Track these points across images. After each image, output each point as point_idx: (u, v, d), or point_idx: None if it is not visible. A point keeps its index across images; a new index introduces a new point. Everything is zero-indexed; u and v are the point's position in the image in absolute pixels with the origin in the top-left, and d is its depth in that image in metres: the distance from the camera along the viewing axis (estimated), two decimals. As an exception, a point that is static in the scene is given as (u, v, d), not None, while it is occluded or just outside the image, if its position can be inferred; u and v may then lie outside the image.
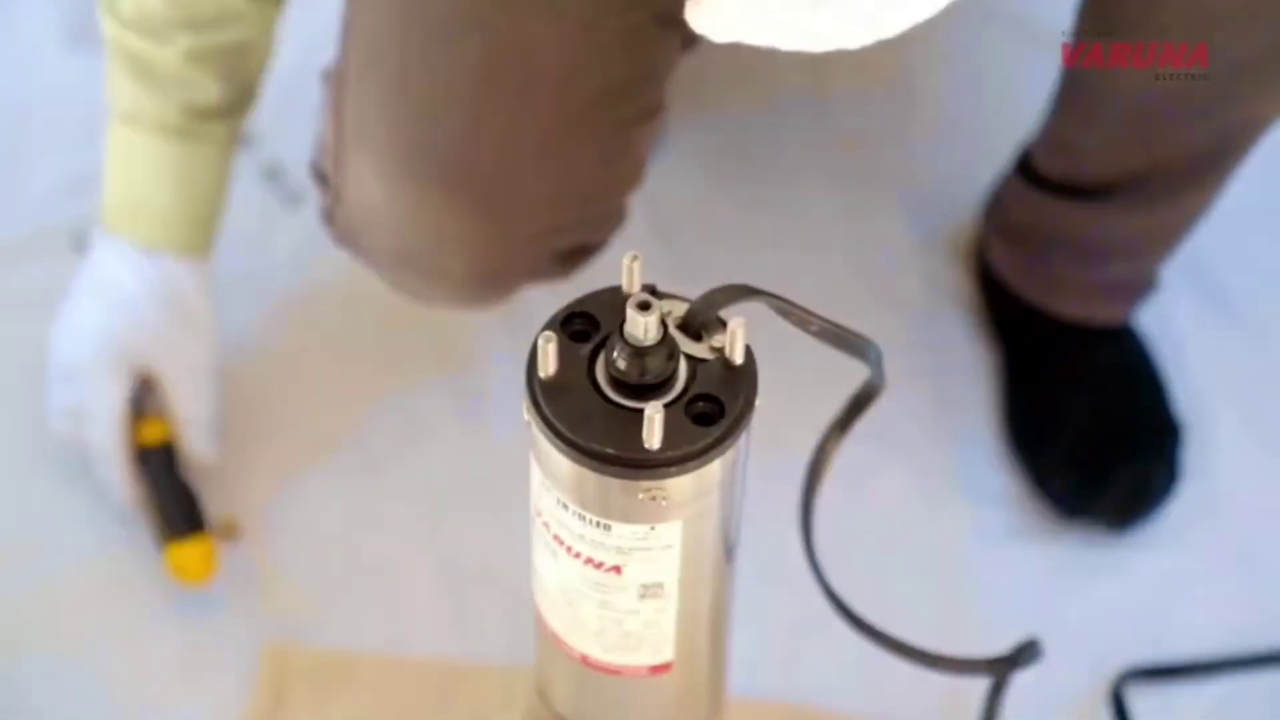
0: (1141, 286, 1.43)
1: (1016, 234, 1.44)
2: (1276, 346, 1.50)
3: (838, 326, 0.88)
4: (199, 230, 1.31)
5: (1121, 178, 1.32)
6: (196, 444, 1.33)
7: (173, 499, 1.33)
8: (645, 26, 1.15)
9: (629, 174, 1.22)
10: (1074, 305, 1.42)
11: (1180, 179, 1.31)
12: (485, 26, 1.12)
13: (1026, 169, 1.41)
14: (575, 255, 1.23)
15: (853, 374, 0.97)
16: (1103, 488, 1.38)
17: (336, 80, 1.18)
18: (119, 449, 1.31)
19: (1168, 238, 1.39)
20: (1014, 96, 1.58)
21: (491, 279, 1.21)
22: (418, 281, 1.22)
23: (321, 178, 1.21)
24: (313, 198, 1.54)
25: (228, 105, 1.26)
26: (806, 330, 0.88)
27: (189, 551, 1.32)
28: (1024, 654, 1.04)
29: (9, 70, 1.62)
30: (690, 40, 1.20)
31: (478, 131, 1.13)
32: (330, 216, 1.22)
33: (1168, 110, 1.24)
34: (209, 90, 1.24)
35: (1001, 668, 1.03)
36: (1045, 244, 1.41)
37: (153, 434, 1.34)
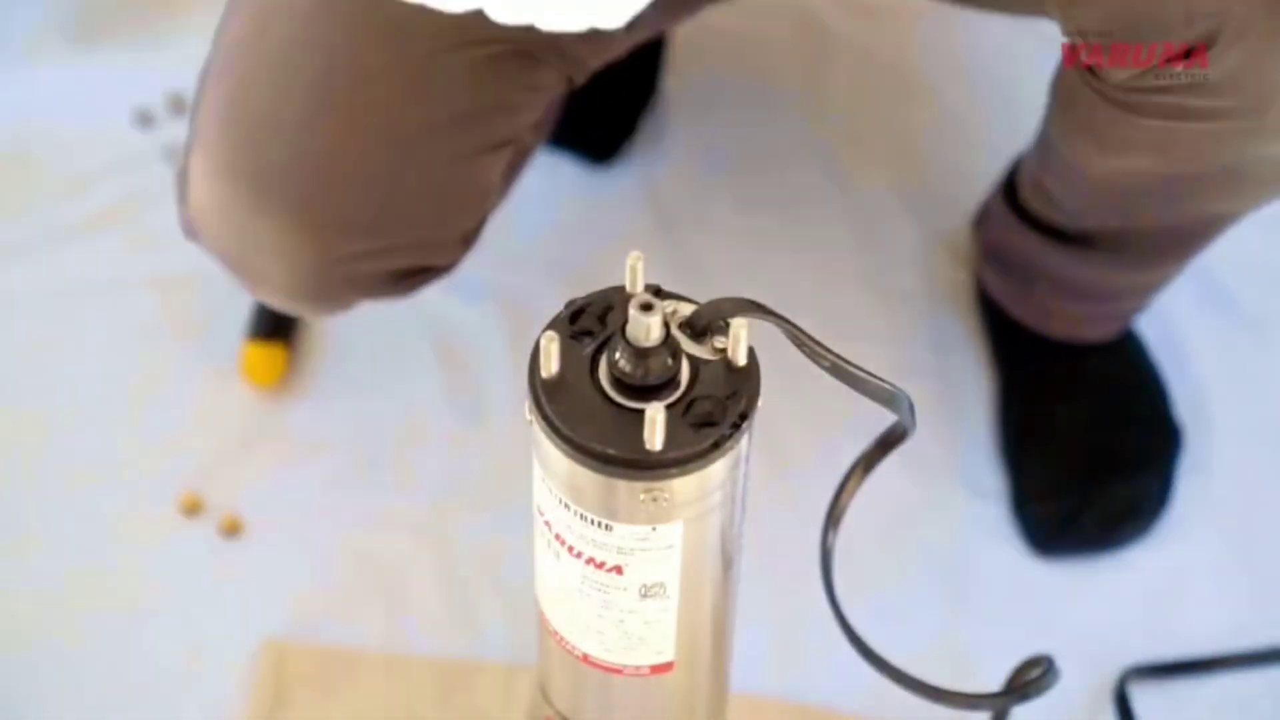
0: (1129, 314, 1.42)
1: (1002, 259, 1.43)
2: (1277, 346, 1.50)
3: (857, 368, 0.87)
4: None
5: (1099, 234, 1.32)
6: None
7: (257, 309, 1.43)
8: (500, 59, 1.15)
9: (469, 202, 1.21)
10: (1063, 329, 1.41)
11: (1155, 248, 1.31)
12: (327, 48, 1.13)
13: (1011, 193, 1.40)
14: (416, 276, 1.23)
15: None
16: (1079, 519, 1.37)
17: (201, 78, 1.19)
18: None
19: (1147, 290, 1.39)
20: (1014, 96, 1.58)
21: (313, 292, 1.21)
22: (249, 284, 1.23)
23: (180, 172, 1.23)
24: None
25: None
26: (819, 364, 0.87)
27: (262, 353, 1.42)
28: (1035, 682, 1.03)
29: (10, 70, 1.62)
30: (574, 75, 1.20)
31: (300, 148, 1.14)
32: (180, 209, 1.23)
33: (1134, 197, 1.24)
34: None
35: (1012, 698, 1.02)
36: (1028, 275, 1.40)
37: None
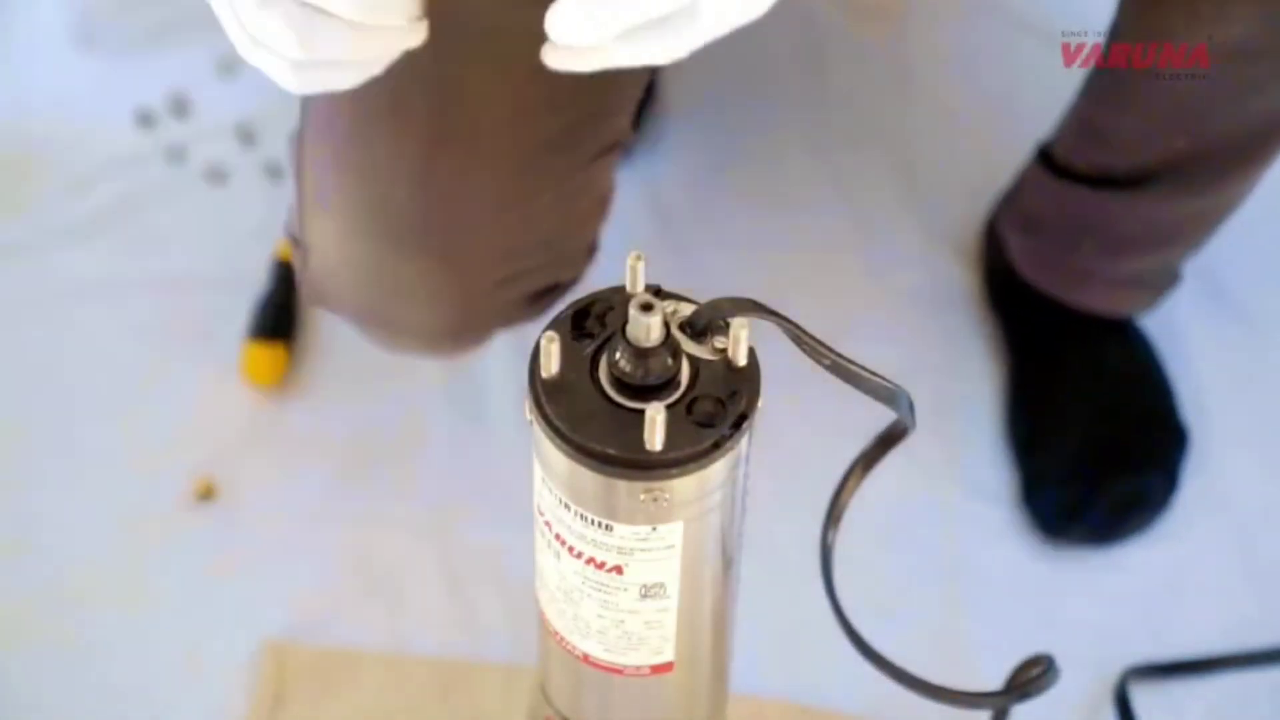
0: (1167, 281, 1.42)
1: (1039, 227, 1.42)
2: (1277, 346, 1.50)
3: (857, 366, 0.87)
4: None
5: (1160, 165, 1.30)
6: None
7: (273, 306, 1.43)
8: None
9: (592, 210, 1.21)
10: (1097, 298, 1.41)
11: (1223, 164, 1.29)
12: (429, 81, 1.12)
13: (1049, 162, 1.39)
14: (547, 294, 1.22)
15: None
16: (1085, 511, 1.38)
17: (298, 143, 1.18)
18: None
19: (1206, 225, 1.37)
20: (1014, 96, 1.59)
21: (459, 330, 1.21)
22: (388, 336, 1.23)
23: (294, 239, 1.21)
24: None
25: None
26: (819, 363, 0.87)
27: (263, 353, 1.43)
28: (1035, 681, 1.03)
29: (11, 70, 1.62)
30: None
31: (427, 187, 1.13)
32: (301, 276, 1.22)
33: (1207, 97, 1.22)
34: None
35: (1013, 697, 1.02)
36: (1073, 236, 1.39)
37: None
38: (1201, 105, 1.24)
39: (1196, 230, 1.38)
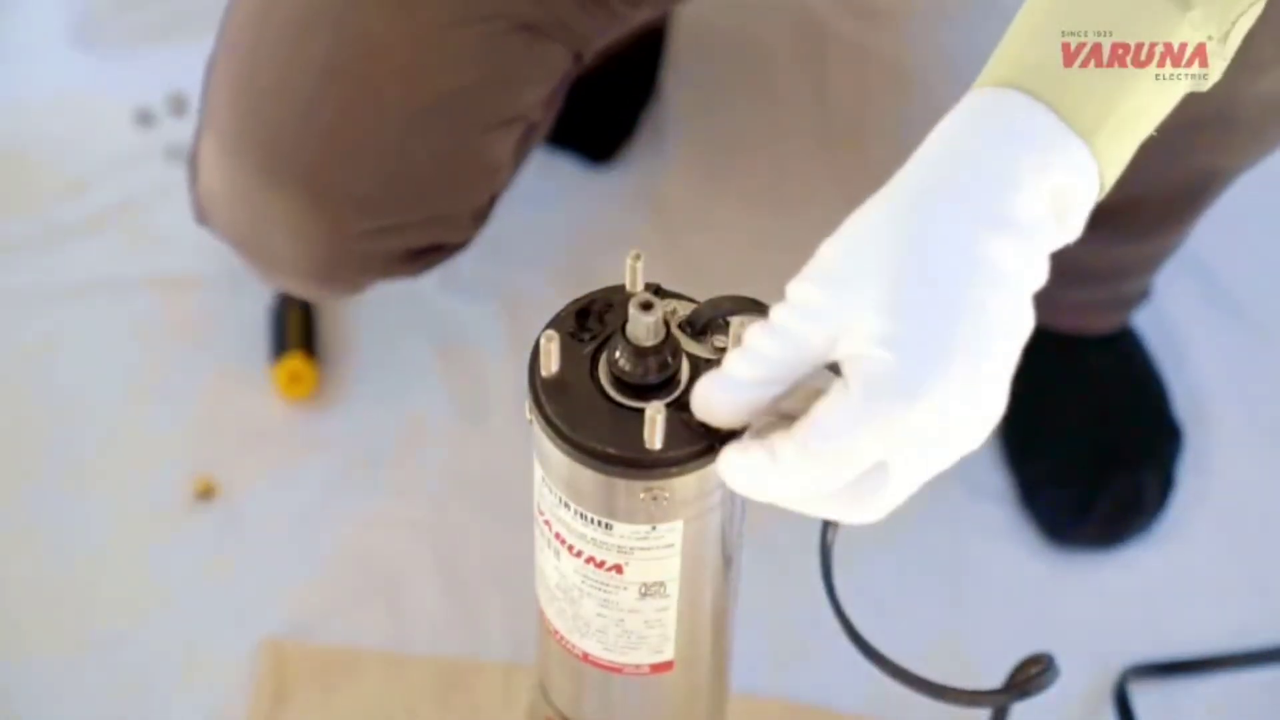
0: (1134, 299, 1.42)
1: None
2: (1277, 345, 1.50)
3: None
4: None
5: (1096, 210, 1.31)
6: None
7: (296, 313, 1.44)
8: (508, 34, 1.14)
9: (482, 178, 1.20)
10: (1067, 319, 1.41)
11: (1152, 217, 1.31)
12: (335, 23, 1.13)
13: None
14: (428, 254, 1.22)
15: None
16: (1090, 509, 1.38)
17: (207, 66, 1.19)
18: None
19: (1149, 264, 1.38)
20: (1014, 96, 1.58)
21: (327, 272, 1.21)
22: (263, 267, 1.23)
23: (191, 158, 1.22)
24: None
25: None
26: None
27: (302, 367, 1.42)
28: (1035, 680, 1.03)
29: (10, 69, 1.62)
30: (582, 53, 1.20)
31: (308, 123, 1.13)
32: (192, 194, 1.23)
33: (1148, 151, 1.23)
34: None
35: (1012, 695, 1.02)
36: None
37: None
38: (1135, 159, 1.24)
39: (1145, 266, 1.39)
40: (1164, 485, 1.40)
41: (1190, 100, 1.14)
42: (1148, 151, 1.22)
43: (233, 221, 1.19)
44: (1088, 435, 1.40)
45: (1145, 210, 1.31)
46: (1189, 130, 1.17)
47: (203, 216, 1.22)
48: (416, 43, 1.13)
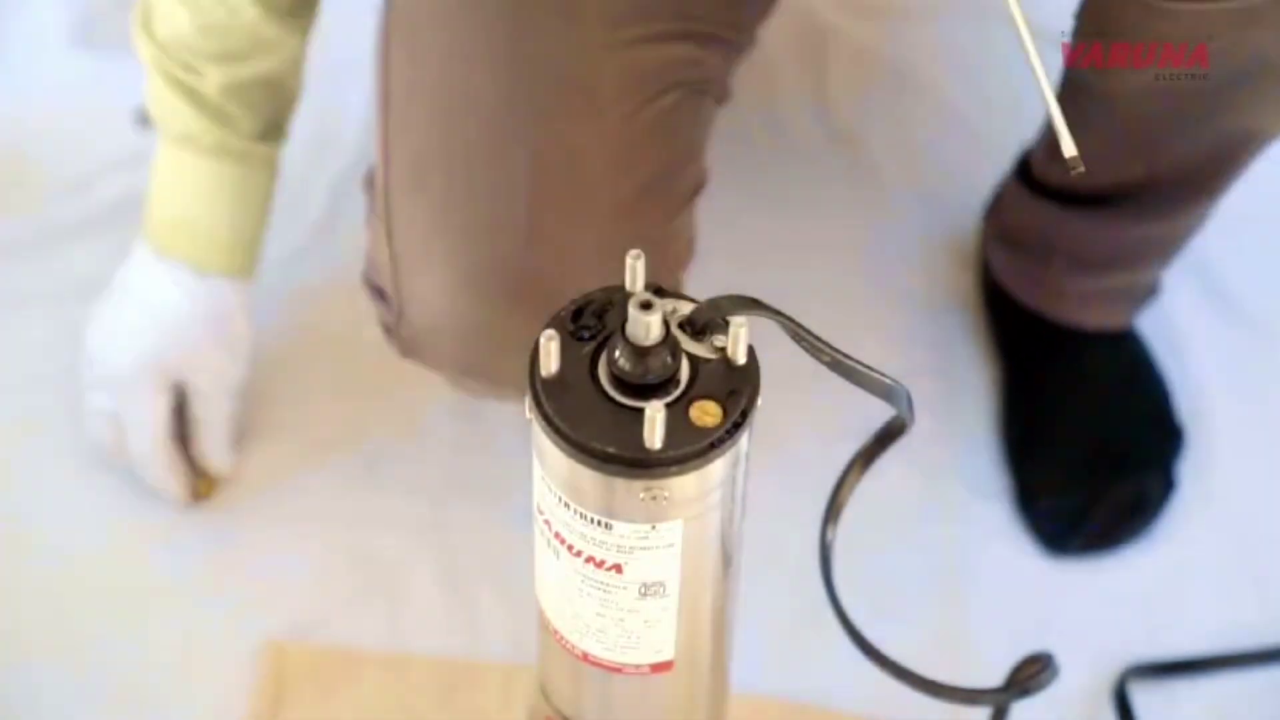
0: (1143, 293, 1.42)
1: (1016, 239, 1.44)
2: (1277, 345, 1.50)
3: (856, 362, 0.87)
4: (249, 252, 1.33)
5: (1119, 188, 1.32)
6: (216, 455, 1.37)
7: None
8: (682, 103, 1.16)
9: (681, 254, 1.22)
10: (1074, 312, 1.41)
11: (1177, 191, 1.31)
12: (526, 140, 1.13)
13: (1026, 174, 1.40)
14: None
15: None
16: (1088, 519, 1.38)
17: (381, 197, 1.17)
18: (163, 456, 1.35)
19: (1167, 248, 1.39)
20: (1014, 96, 1.59)
21: None
22: (486, 388, 1.23)
23: (378, 293, 1.21)
24: (316, 202, 1.55)
25: (265, 133, 1.29)
26: (818, 359, 0.87)
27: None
28: (1035, 678, 1.03)
29: (10, 69, 1.62)
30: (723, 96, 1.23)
31: (536, 243, 1.14)
32: (392, 331, 1.22)
33: (1165, 118, 1.23)
34: (245, 122, 1.26)
35: (1013, 694, 1.02)
36: (1044, 251, 1.40)
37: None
38: (1156, 132, 1.25)
39: (1162, 251, 1.39)
40: (1165, 488, 1.40)
41: (1234, 51, 1.14)
42: (1183, 111, 1.22)
43: (464, 353, 1.19)
44: (1089, 438, 1.40)
45: (1168, 188, 1.30)
46: (1229, 86, 1.16)
47: (413, 352, 1.21)
48: (609, 138, 1.13)
